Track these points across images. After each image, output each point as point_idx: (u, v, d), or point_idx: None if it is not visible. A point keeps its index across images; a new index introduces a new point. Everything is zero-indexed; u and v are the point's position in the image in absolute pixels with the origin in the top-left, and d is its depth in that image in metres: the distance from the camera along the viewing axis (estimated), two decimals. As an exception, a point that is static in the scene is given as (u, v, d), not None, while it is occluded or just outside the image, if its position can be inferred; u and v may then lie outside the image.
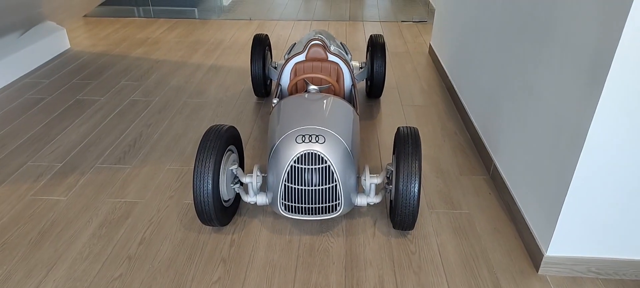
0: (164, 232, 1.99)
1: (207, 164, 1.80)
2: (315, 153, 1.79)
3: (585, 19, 1.51)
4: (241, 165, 2.17)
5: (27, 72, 3.65)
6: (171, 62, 3.88)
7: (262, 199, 1.95)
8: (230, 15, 5.41)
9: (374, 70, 2.98)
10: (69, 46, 4.20)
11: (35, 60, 3.73)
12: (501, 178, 2.22)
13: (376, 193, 1.97)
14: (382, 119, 2.96)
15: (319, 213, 1.84)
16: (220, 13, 5.50)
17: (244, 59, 3.96)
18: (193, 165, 2.43)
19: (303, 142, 1.80)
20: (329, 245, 1.93)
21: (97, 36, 4.57)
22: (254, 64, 2.99)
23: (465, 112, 2.88)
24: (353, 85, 2.57)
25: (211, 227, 2.01)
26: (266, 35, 3.11)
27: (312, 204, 1.82)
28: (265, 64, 3.05)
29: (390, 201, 2.00)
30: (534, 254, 1.84)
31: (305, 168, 1.78)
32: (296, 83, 2.38)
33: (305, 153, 1.78)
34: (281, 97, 2.51)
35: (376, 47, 3.00)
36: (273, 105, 2.21)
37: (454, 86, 3.19)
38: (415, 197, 1.78)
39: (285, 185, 1.81)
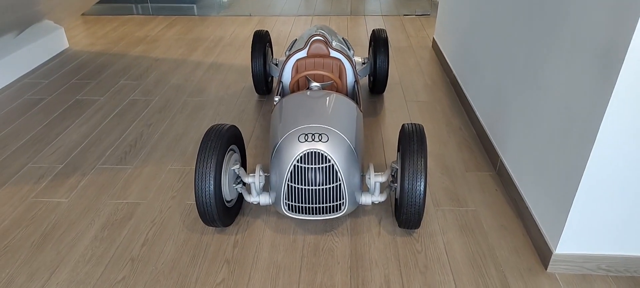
0: (166, 233, 1.96)
1: (208, 165, 1.77)
2: (319, 152, 1.75)
3: (597, 10, 1.47)
4: (243, 164, 2.14)
5: (26, 72, 3.62)
6: (170, 60, 3.84)
7: (265, 199, 1.92)
8: (230, 12, 5.36)
9: (377, 65, 2.95)
10: (68, 45, 4.17)
11: (34, 60, 3.70)
12: (508, 174, 2.19)
13: (381, 192, 1.94)
14: (385, 115, 2.92)
15: (323, 213, 1.81)
16: (220, 9, 5.45)
17: (245, 56, 3.92)
18: (194, 165, 2.40)
19: (306, 141, 1.76)
20: (333, 244, 1.90)
21: (95, 35, 4.54)
22: (254, 61, 2.95)
23: (470, 107, 2.84)
24: (356, 81, 2.54)
25: (214, 228, 1.98)
26: (266, 31, 3.07)
27: (316, 204, 1.79)
28: (266, 60, 3.01)
29: (395, 199, 1.97)
30: (542, 251, 1.80)
31: (308, 167, 1.75)
32: (298, 80, 2.35)
33: (308, 153, 1.75)
34: (283, 94, 2.48)
35: (379, 42, 2.96)
36: (274, 103, 2.18)
37: (459, 81, 3.15)
38: (421, 195, 1.75)
39: (288, 184, 1.78)
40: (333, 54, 2.53)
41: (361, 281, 1.72)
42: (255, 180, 1.89)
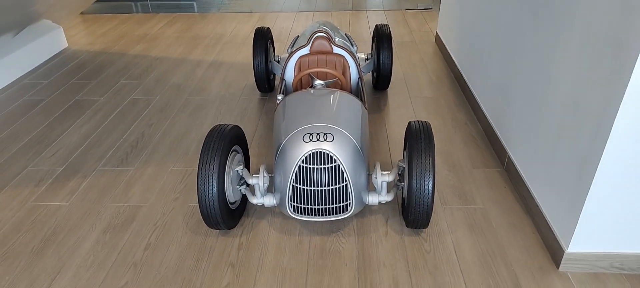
0: (169, 237, 1.93)
1: (211, 166, 1.73)
2: (324, 152, 1.71)
3: (609, 1, 1.42)
4: (247, 165, 2.10)
5: (25, 72, 3.58)
6: (171, 59, 3.80)
7: (269, 200, 1.88)
8: (230, 8, 5.31)
9: (381, 61, 2.90)
10: (67, 45, 4.12)
11: (33, 61, 3.66)
12: (516, 170, 2.14)
13: (388, 191, 1.90)
14: (390, 111, 2.88)
15: (329, 214, 1.78)
16: (220, 6, 5.40)
17: (246, 54, 3.88)
18: (197, 167, 2.36)
19: (311, 140, 1.72)
20: (340, 245, 1.86)
21: (94, 34, 4.49)
22: (256, 59, 2.91)
23: (476, 102, 2.79)
24: (360, 77, 2.49)
25: (218, 230, 1.95)
26: (268, 28, 3.03)
27: (321, 205, 1.75)
28: (267, 58, 2.97)
29: (403, 199, 1.93)
30: (553, 250, 1.76)
31: (313, 168, 1.71)
32: (301, 78, 2.30)
33: (313, 153, 1.71)
34: (286, 93, 2.43)
35: (382, 37, 2.91)
36: (277, 101, 2.14)
37: (463, 76, 3.10)
38: (430, 194, 1.71)
39: (293, 186, 1.74)
40: (336, 50, 2.48)
41: (369, 283, 1.69)
42: (259, 181, 1.85)
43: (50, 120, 2.88)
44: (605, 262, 1.69)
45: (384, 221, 1.98)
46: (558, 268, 1.73)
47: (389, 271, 1.74)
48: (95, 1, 5.23)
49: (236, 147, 1.95)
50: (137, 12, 5.18)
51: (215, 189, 1.73)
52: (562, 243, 1.71)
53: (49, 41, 3.85)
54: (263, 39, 2.93)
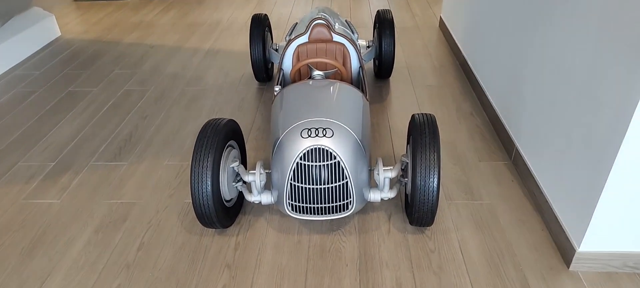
0: (163, 236, 1.85)
1: (205, 163, 1.65)
2: (323, 149, 1.62)
3: (631, -12, 1.32)
4: (243, 160, 2.01)
5: (17, 63, 3.48)
6: (166, 47, 3.69)
7: (267, 198, 1.80)
8: (228, -6, 5.16)
9: (383, 49, 2.79)
10: (60, 33, 4.01)
11: (24, 51, 3.56)
12: (524, 163, 2.06)
13: (390, 188, 1.82)
14: (392, 101, 2.78)
15: (329, 213, 1.70)
16: (217, -8, 5.24)
17: (244, 41, 3.76)
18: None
19: (309, 136, 1.63)
20: (340, 244, 1.79)
21: (88, 21, 4.37)
22: (253, 47, 2.80)
23: (482, 91, 2.69)
24: (361, 66, 2.39)
25: (214, 229, 1.87)
26: (265, 14, 2.91)
27: (321, 204, 1.67)
28: (265, 46, 2.86)
29: (406, 195, 1.85)
30: (564, 249, 1.68)
31: (312, 165, 1.62)
32: (299, 69, 2.20)
33: (312, 149, 1.62)
34: (283, 84, 2.33)
35: (384, 23, 2.79)
36: (275, 93, 2.04)
37: (469, 63, 2.99)
38: (435, 192, 1.62)
39: (291, 183, 1.65)
40: (336, 38, 2.38)
41: (371, 285, 1.61)
42: (255, 178, 1.77)
43: (42, 113, 2.79)
44: (619, 261, 1.62)
45: (387, 218, 1.90)
46: (568, 267, 1.65)
47: (392, 272, 1.66)
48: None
49: (231, 142, 1.86)
50: (132, -1, 5.04)
51: (209, 188, 1.64)
52: (574, 241, 1.63)
53: (41, 30, 3.74)
54: (260, 27, 2.82)
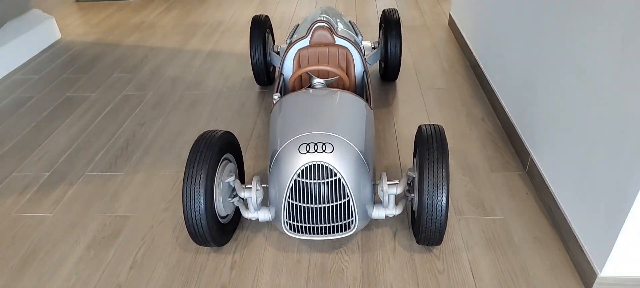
0: (157, 253, 1.77)
1: (197, 180, 1.55)
2: (323, 165, 1.52)
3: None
4: (241, 174, 1.91)
5: (16, 67, 3.42)
6: (167, 49, 3.60)
7: (264, 215, 1.70)
8: (232, -8, 5.05)
9: (389, 50, 2.67)
10: (60, 36, 3.95)
11: (24, 54, 3.50)
12: (540, 175, 1.93)
13: (396, 204, 1.71)
14: (398, 105, 2.66)
15: (329, 233, 1.59)
16: (221, -10, 5.14)
17: (245, 43, 3.66)
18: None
19: (307, 152, 1.53)
20: (342, 264, 1.68)
21: (89, 23, 4.30)
22: (253, 51, 2.70)
23: (494, 94, 2.55)
24: (365, 71, 2.27)
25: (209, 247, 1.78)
26: (266, 16, 2.80)
27: (321, 223, 1.56)
28: (266, 49, 2.75)
29: (413, 211, 1.73)
30: (583, 271, 1.56)
31: (311, 182, 1.52)
32: (300, 76, 2.09)
33: (310, 166, 1.51)
34: (283, 91, 2.23)
35: (390, 24, 2.67)
36: (274, 101, 1.94)
37: (480, 64, 2.85)
38: (443, 211, 1.51)
39: (288, 202, 1.55)
40: (338, 41, 2.26)
41: (375, 310, 1.51)
42: (252, 195, 1.67)
43: (38, 121, 2.72)
44: (644, 286, 1.49)
45: (392, 235, 1.79)
46: (589, 291, 1.53)
47: (397, 295, 1.56)
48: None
49: (227, 155, 1.77)
50: (135, -2, 4.96)
51: (202, 205, 1.55)
52: (595, 265, 1.50)
53: (40, 33, 3.68)
54: (261, 29, 2.71)
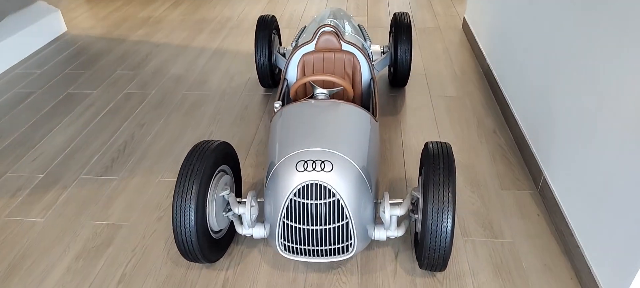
0: (147, 267, 1.70)
1: (188, 195, 1.47)
2: (321, 185, 1.43)
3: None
4: (238, 186, 1.83)
5: (20, 60, 3.38)
6: (172, 46, 3.53)
7: (259, 232, 1.62)
8: (241, -13, 4.96)
9: (398, 56, 2.55)
10: (66, 29, 3.90)
11: (28, 48, 3.46)
12: (553, 197, 1.82)
13: (398, 225, 1.61)
14: (407, 114, 2.55)
15: (326, 256, 1.50)
16: (231, -15, 5.05)
17: (252, 41, 3.57)
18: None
19: (305, 169, 1.44)
20: (340, 286, 1.60)
21: (97, 16, 4.25)
22: (258, 53, 2.61)
23: (507, 105, 2.43)
24: (372, 79, 2.17)
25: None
26: (273, 16, 2.71)
27: (317, 246, 1.47)
28: (271, 51, 2.66)
29: (416, 233, 1.64)
30: (598, 306, 1.45)
31: (308, 203, 1.43)
32: (303, 83, 1.99)
33: (307, 185, 1.43)
34: (285, 99, 2.13)
35: (401, 28, 2.55)
36: (275, 109, 1.85)
37: (493, 72, 2.73)
38: (448, 236, 1.41)
39: (283, 222, 1.46)
40: (345, 47, 2.16)
41: (371, 340, 1.42)
42: (246, 211, 1.58)
43: (37, 118, 2.67)
44: (664, 326, 1.37)
45: (393, 256, 1.70)
46: (603, 329, 1.42)
47: (396, 324, 1.47)
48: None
49: (224, 167, 1.68)
50: (143, -9, 4.90)
51: (193, 222, 1.47)
52: (610, 301, 1.39)
53: (46, 26, 3.63)
54: (266, 30, 2.62)
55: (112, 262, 1.73)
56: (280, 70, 2.87)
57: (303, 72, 2.16)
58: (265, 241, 1.77)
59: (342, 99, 2.14)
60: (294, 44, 2.46)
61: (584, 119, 1.59)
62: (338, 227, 1.45)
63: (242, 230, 1.64)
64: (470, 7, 3.40)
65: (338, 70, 2.14)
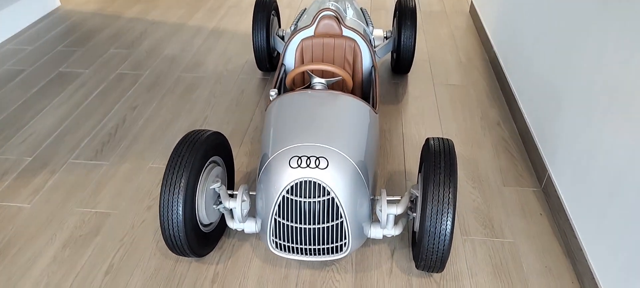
0: (135, 258, 1.65)
1: (177, 187, 1.41)
2: (315, 182, 1.36)
3: None
4: (230, 177, 1.76)
5: (11, 35, 3.28)
6: (168, 25, 3.42)
7: (250, 227, 1.56)
8: (242, -37, 4.80)
9: (402, 42, 2.45)
10: (59, 4, 3.78)
11: (19, 22, 3.35)
12: (557, 196, 1.75)
13: (395, 223, 1.55)
14: (408, 102, 2.46)
15: (320, 254, 1.44)
16: (231, -40, 4.89)
17: (251, 21, 3.45)
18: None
19: (298, 166, 1.36)
20: (333, 284, 1.54)
21: (92, -9, 4.12)
22: (256, 34, 2.51)
23: (512, 96, 2.34)
24: (373, 66, 2.07)
25: (192, 254, 1.65)
26: (272, -4, 2.60)
27: (310, 245, 1.41)
28: (269, 34, 2.56)
29: (413, 232, 1.58)
30: (600, 314, 1.40)
31: (301, 201, 1.36)
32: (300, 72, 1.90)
33: (300, 182, 1.36)
34: (282, 87, 2.05)
35: (405, 13, 2.45)
36: (271, 97, 1.77)
37: (500, 60, 2.63)
38: (447, 238, 1.35)
39: (275, 219, 1.40)
40: (346, 32, 2.06)
41: (364, 343, 1.38)
42: (237, 205, 1.52)
43: (27, 97, 2.59)
44: (667, 337, 1.32)
45: (389, 254, 1.64)
46: (604, 337, 1.37)
47: (390, 327, 1.42)
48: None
49: (215, 158, 1.61)
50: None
51: (181, 216, 1.41)
52: (613, 310, 1.34)
53: (38, 0, 3.51)
54: (264, 11, 2.51)
55: (100, 251, 1.68)
56: (278, 53, 2.77)
57: (301, 58, 2.07)
58: (258, 235, 1.72)
59: (341, 89, 2.06)
60: (293, 27, 2.36)
61: (594, 117, 1.51)
62: (332, 226, 1.38)
63: (233, 224, 1.58)
64: (478, -10, 3.27)
65: (338, 57, 2.05)
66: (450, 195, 1.34)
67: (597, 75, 1.51)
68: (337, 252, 1.44)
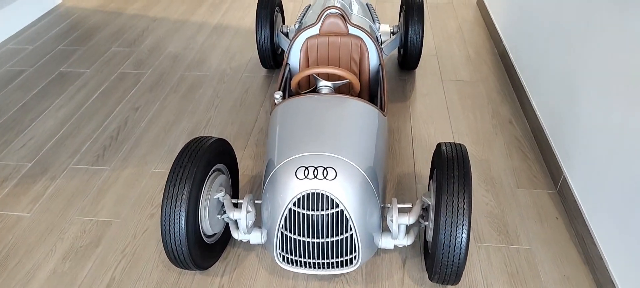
0: (137, 270, 1.60)
1: (179, 199, 1.35)
2: (323, 194, 1.29)
3: None
4: (235, 186, 1.70)
5: (12, 34, 3.22)
6: (170, 21, 3.34)
7: (256, 237, 1.50)
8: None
9: (409, 38, 2.37)
10: (60, 1, 3.71)
11: (21, 20, 3.29)
12: (574, 199, 1.68)
13: (407, 233, 1.49)
14: (417, 100, 2.39)
15: (328, 268, 1.39)
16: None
17: (254, 17, 3.37)
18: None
19: (306, 177, 1.30)
20: (343, 296, 1.49)
21: (92, -13, 4.04)
22: (259, 32, 2.43)
23: (524, 92, 2.26)
24: (381, 65, 2.00)
25: (196, 265, 1.60)
26: (275, -8, 2.52)
27: (319, 259, 1.35)
28: (273, 30, 2.48)
29: (426, 242, 1.52)
30: (622, 327, 1.34)
31: (308, 214, 1.30)
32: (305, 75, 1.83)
33: (308, 194, 1.30)
34: (287, 89, 1.97)
35: (412, 7, 2.36)
36: (275, 101, 1.70)
37: (510, 54, 2.54)
38: (462, 250, 1.29)
39: (282, 232, 1.34)
40: (352, 30, 1.99)
41: None
42: (242, 216, 1.46)
43: (27, 99, 2.54)
44: None
45: (401, 263, 1.58)
46: (626, 351, 1.31)
47: (402, 341, 1.37)
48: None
49: (219, 166, 1.56)
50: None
51: (183, 229, 1.36)
52: (637, 324, 1.28)
53: (38, -3, 3.45)
54: (268, 7, 2.43)
55: (101, 263, 1.63)
56: (282, 51, 2.69)
57: (306, 58, 2.00)
58: (264, 245, 1.66)
59: (348, 91, 1.99)
60: (297, 25, 2.28)
61: (612, 114, 1.43)
62: (342, 239, 1.32)
63: (238, 235, 1.52)
64: (488, -19, 3.16)
65: (344, 56, 1.98)
66: (465, 205, 1.27)
67: (616, 68, 1.43)
68: (347, 265, 1.38)
